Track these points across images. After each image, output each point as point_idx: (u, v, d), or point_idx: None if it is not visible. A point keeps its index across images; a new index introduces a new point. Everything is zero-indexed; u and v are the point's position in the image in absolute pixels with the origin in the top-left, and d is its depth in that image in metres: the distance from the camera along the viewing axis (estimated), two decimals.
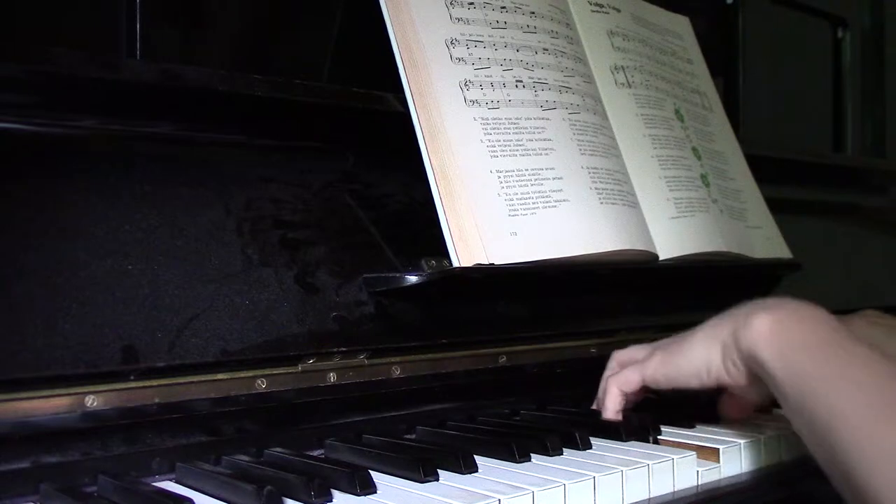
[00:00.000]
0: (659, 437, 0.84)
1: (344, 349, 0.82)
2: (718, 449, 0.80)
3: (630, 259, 0.99)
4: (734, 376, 0.76)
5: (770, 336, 0.71)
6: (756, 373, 0.73)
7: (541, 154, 0.94)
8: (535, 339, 0.99)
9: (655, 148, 1.10)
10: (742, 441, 0.82)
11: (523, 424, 0.93)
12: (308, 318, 0.80)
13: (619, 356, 0.90)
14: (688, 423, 0.88)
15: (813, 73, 1.83)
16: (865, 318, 1.06)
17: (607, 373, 0.89)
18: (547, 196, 0.92)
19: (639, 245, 0.99)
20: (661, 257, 1.03)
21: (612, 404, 0.85)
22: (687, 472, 0.76)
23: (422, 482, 0.70)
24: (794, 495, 0.81)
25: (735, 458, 0.81)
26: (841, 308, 1.39)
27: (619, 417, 0.85)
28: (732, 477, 0.79)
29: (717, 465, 0.79)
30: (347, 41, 1.02)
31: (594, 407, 0.91)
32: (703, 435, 0.85)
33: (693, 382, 0.79)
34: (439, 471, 0.72)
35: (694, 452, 0.78)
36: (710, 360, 0.77)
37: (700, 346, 0.78)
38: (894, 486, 0.58)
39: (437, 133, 0.89)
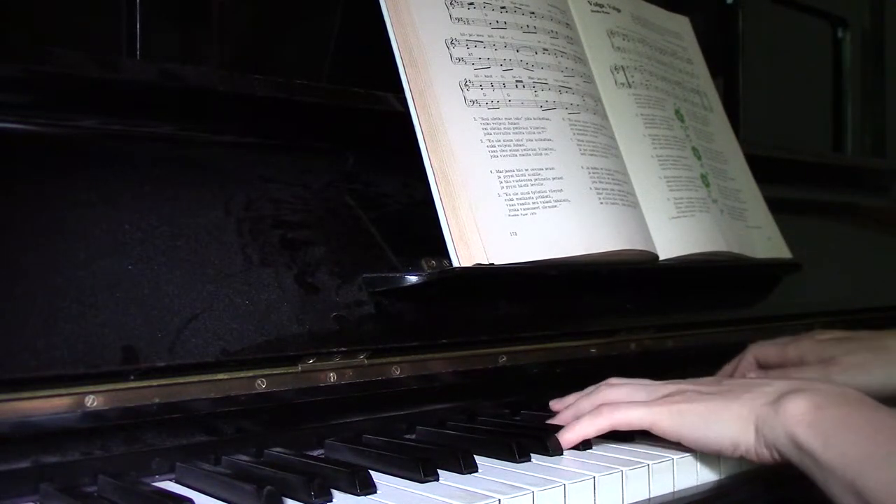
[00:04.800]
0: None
1: (344, 349, 0.82)
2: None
3: (630, 259, 0.99)
4: (763, 458, 0.74)
5: (812, 421, 0.69)
6: (789, 455, 0.71)
7: (541, 154, 0.94)
8: (535, 339, 0.99)
9: (655, 148, 1.10)
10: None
11: (523, 424, 0.93)
12: (308, 318, 0.80)
13: (609, 394, 0.84)
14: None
15: (813, 73, 1.83)
16: (811, 340, 1.06)
17: (593, 402, 0.83)
18: (547, 196, 0.92)
19: (639, 245, 0.99)
20: (661, 257, 1.03)
21: (587, 432, 0.80)
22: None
23: (422, 482, 0.70)
24: None
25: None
26: (841, 308, 1.40)
27: (578, 443, 0.80)
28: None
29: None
30: (347, 41, 1.02)
31: (552, 421, 0.86)
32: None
33: (709, 451, 0.77)
34: (439, 471, 0.72)
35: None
36: (741, 440, 0.74)
37: (732, 423, 0.75)
38: None
39: (437, 133, 0.89)
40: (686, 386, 0.82)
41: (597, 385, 0.87)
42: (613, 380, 0.87)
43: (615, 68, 1.11)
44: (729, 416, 0.75)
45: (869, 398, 0.73)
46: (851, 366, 0.97)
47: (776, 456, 0.73)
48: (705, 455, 0.79)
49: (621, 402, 0.82)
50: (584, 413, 0.83)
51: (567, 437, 0.80)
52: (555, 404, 0.89)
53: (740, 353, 1.11)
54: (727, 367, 1.11)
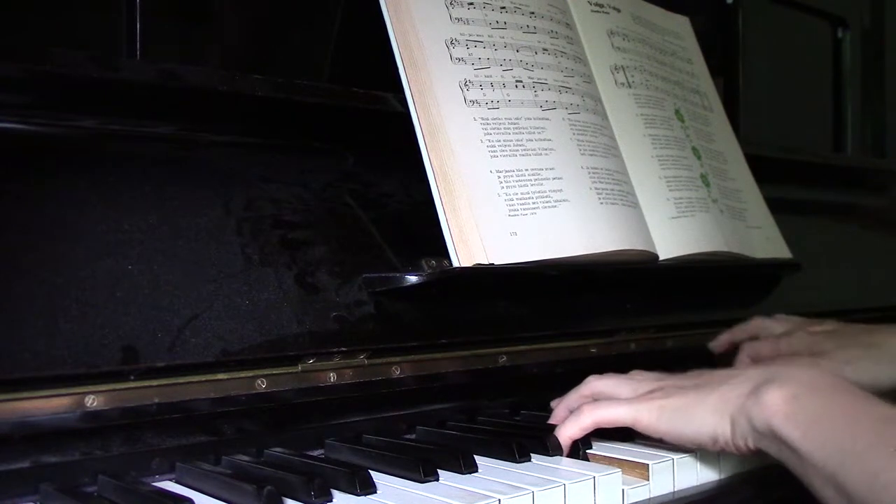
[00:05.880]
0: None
1: (344, 349, 0.82)
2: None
3: (630, 259, 0.99)
4: (742, 450, 0.73)
5: (789, 412, 0.68)
6: (767, 446, 0.70)
7: (541, 154, 0.94)
8: (535, 339, 0.99)
9: (655, 148, 1.10)
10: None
11: (523, 424, 0.93)
12: (308, 318, 0.80)
13: (595, 385, 0.84)
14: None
15: (813, 73, 1.83)
16: (803, 332, 1.06)
17: (581, 392, 0.85)
18: (547, 196, 0.92)
19: (639, 245, 0.99)
20: (661, 257, 1.03)
21: (573, 433, 0.79)
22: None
23: (422, 482, 0.71)
24: None
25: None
26: (841, 308, 1.40)
27: (569, 445, 0.80)
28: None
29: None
30: (347, 41, 1.02)
31: (551, 421, 0.86)
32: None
33: (691, 445, 0.77)
34: (439, 471, 0.72)
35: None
36: (719, 433, 0.73)
37: (709, 417, 0.74)
38: None
39: (437, 133, 0.89)
40: (667, 382, 0.81)
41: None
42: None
43: (615, 68, 1.11)
44: (705, 409, 0.75)
45: (845, 381, 0.71)
46: (841, 361, 0.97)
47: (754, 447, 0.72)
48: (705, 454, 0.79)
49: (603, 400, 0.82)
50: (572, 406, 0.83)
51: (554, 443, 0.79)
52: (555, 403, 0.89)
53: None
54: None
